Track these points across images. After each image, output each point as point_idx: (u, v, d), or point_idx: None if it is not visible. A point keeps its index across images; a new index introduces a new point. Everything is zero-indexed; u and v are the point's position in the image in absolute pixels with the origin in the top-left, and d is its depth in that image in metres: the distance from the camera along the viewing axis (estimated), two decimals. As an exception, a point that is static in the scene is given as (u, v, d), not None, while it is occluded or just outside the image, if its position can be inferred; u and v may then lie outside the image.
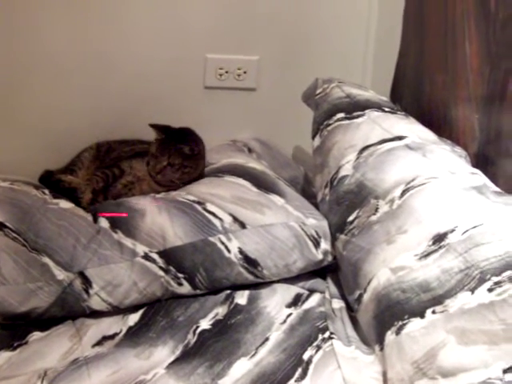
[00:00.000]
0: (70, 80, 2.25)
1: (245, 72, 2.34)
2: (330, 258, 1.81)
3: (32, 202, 1.82)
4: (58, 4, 2.18)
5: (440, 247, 1.45)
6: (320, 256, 1.80)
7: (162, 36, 2.25)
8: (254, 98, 2.39)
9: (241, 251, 1.73)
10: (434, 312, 1.37)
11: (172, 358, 1.51)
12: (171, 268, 1.69)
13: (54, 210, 1.80)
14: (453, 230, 1.46)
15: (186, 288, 1.71)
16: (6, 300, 1.61)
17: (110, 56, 2.24)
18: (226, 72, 2.32)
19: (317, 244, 1.80)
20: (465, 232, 1.45)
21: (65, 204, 1.85)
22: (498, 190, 1.61)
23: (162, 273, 1.69)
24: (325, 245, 1.80)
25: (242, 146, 2.29)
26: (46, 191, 1.94)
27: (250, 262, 1.73)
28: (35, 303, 1.63)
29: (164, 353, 1.53)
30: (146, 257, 1.69)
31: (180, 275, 1.70)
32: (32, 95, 2.25)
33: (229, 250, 1.72)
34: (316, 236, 1.80)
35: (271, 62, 2.36)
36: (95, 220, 1.77)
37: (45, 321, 1.64)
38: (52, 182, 2.13)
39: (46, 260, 1.66)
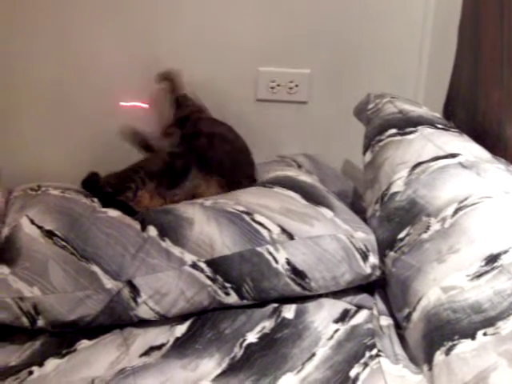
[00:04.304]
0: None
1: (296, 85, 2.35)
2: (378, 273, 1.79)
3: (81, 210, 1.84)
4: (105, 25, 2.22)
5: (493, 268, 1.43)
6: (368, 270, 1.78)
7: (216, 49, 2.28)
8: (306, 111, 2.39)
9: (288, 262, 1.72)
10: (485, 334, 1.35)
11: (218, 371, 1.51)
12: (218, 277, 1.69)
13: (103, 218, 1.81)
14: (506, 251, 1.44)
15: (232, 298, 1.70)
16: (55, 308, 1.62)
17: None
18: (278, 85, 2.33)
19: (365, 257, 1.78)
20: (519, 253, 1.43)
21: (113, 212, 1.85)
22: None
23: (209, 282, 1.69)
24: (373, 259, 1.78)
25: (291, 161, 2.29)
26: (95, 199, 1.96)
27: (297, 274, 1.72)
28: (84, 311, 1.63)
29: (210, 365, 1.52)
30: (194, 266, 1.69)
31: (227, 285, 1.69)
32: (81, 105, 2.29)
33: (276, 261, 1.72)
34: (364, 249, 1.78)
35: (323, 75, 2.36)
36: (143, 228, 1.78)
37: (93, 329, 1.65)
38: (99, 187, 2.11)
39: (95, 268, 1.67)
